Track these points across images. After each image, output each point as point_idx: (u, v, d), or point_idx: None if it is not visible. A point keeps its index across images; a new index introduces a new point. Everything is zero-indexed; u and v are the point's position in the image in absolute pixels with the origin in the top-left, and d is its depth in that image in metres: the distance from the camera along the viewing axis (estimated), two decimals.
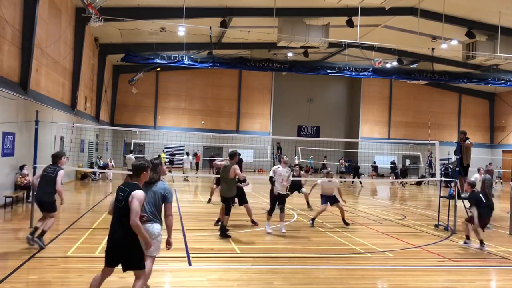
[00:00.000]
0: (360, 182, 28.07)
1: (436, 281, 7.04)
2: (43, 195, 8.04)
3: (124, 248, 4.74)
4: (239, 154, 10.71)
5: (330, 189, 11.66)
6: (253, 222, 10.99)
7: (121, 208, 4.75)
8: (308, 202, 14.51)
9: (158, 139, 34.59)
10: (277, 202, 10.31)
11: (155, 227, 5.25)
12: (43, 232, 7.87)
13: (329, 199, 11.63)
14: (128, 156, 20.94)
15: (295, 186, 14.11)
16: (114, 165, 26.03)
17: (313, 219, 11.54)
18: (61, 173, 8.09)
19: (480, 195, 9.50)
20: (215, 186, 14.91)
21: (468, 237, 9.71)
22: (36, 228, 7.92)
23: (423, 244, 9.61)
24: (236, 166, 9.65)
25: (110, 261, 4.85)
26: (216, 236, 9.65)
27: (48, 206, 8.09)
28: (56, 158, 8.25)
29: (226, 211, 9.57)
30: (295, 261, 7.78)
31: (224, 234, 9.43)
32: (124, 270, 4.92)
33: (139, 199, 4.71)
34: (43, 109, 15.52)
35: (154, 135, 34.97)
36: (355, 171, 27.50)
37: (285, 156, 10.97)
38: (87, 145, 24.58)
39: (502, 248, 9.59)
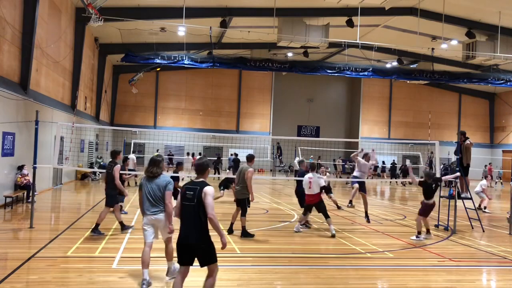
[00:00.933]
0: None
1: (436, 281, 7.04)
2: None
3: (202, 245, 4.98)
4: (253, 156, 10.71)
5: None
6: None
7: (194, 206, 4.94)
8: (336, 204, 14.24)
9: (158, 139, 34.58)
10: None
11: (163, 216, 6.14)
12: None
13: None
14: (130, 156, 20.97)
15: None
16: None
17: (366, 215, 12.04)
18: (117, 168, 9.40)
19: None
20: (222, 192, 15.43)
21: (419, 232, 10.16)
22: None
23: (423, 244, 9.61)
24: (252, 170, 9.72)
25: (188, 260, 5.05)
26: (216, 236, 9.64)
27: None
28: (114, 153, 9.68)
29: (243, 212, 9.60)
30: (295, 261, 7.77)
31: (246, 234, 9.49)
32: (202, 265, 5.09)
33: (211, 194, 4.98)
34: (43, 109, 15.51)
35: (154, 135, 34.95)
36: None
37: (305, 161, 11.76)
38: (87, 145, 24.58)
39: (502, 248, 9.59)
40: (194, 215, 4.92)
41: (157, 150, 29.24)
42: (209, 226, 5.02)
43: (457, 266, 7.98)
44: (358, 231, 11.06)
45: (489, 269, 8.01)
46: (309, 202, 10.41)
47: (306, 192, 10.37)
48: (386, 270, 7.56)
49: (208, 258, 5.07)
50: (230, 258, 7.95)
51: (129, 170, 17.42)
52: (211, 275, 5.15)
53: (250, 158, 10.14)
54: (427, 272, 7.48)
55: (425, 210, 10.27)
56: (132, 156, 20.60)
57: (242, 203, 9.63)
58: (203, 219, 4.91)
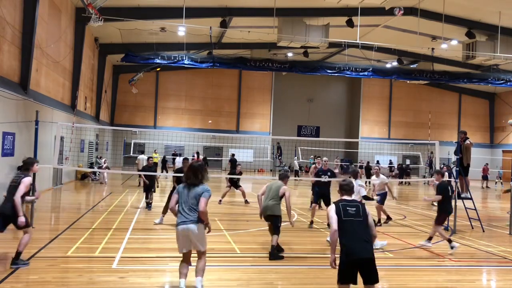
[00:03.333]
0: (370, 182, 27.83)
1: (436, 281, 7.04)
2: None
3: (374, 262, 4.78)
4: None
5: None
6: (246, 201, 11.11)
7: (362, 221, 4.90)
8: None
9: (158, 139, 34.58)
10: None
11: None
12: None
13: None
14: (140, 156, 20.99)
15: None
16: (109, 167, 25.23)
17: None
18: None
19: (448, 186, 9.56)
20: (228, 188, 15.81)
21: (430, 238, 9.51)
22: None
23: (423, 244, 9.60)
24: (289, 190, 8.50)
25: (355, 277, 4.76)
26: (216, 236, 9.66)
27: None
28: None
29: (276, 230, 8.27)
30: (295, 261, 7.77)
31: (274, 256, 7.91)
32: (371, 283, 4.79)
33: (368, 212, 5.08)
34: (43, 109, 15.51)
35: (154, 135, 34.95)
36: (367, 171, 27.28)
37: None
38: (87, 145, 24.57)
39: (502, 248, 9.59)
40: (363, 231, 4.90)
41: (155, 151, 29.26)
42: None
43: (457, 266, 7.98)
44: None
45: (489, 269, 8.01)
46: None
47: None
48: (386, 270, 7.56)
49: (376, 275, 4.81)
50: (230, 258, 7.95)
51: (140, 171, 17.40)
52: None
53: (283, 177, 8.75)
54: (427, 272, 7.48)
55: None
56: (143, 157, 20.60)
57: (276, 220, 8.34)
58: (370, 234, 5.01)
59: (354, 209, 4.95)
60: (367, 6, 19.48)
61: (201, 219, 5.64)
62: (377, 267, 4.79)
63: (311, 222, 11.47)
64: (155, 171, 15.78)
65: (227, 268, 7.25)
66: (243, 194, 15.69)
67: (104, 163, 23.57)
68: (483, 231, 11.55)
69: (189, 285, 6.42)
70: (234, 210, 14.52)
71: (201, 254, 5.82)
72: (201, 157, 29.24)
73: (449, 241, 8.88)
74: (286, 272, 7.03)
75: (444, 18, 21.40)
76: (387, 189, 11.92)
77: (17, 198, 6.60)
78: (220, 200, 15.55)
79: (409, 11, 22.26)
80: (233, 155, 25.51)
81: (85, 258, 7.48)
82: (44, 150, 15.96)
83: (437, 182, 9.81)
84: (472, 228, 11.87)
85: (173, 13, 20.64)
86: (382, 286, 6.82)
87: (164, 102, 37.22)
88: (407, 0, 21.03)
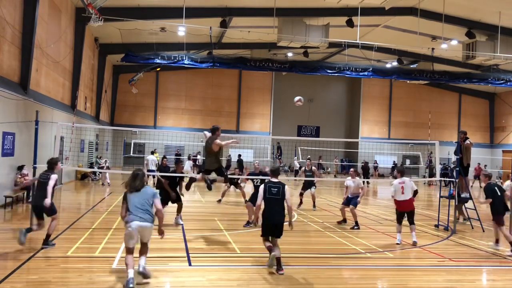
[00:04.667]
0: (368, 182, 27.87)
1: (436, 281, 7.04)
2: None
3: (281, 225, 7.09)
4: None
5: None
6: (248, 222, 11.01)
7: (279, 199, 7.07)
8: (314, 203, 14.70)
9: (158, 139, 34.56)
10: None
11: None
12: None
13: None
14: (149, 157, 20.80)
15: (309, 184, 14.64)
16: (109, 167, 25.14)
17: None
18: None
19: (495, 187, 9.35)
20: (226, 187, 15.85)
21: (497, 240, 9.51)
22: None
23: (423, 244, 9.60)
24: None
25: (271, 233, 7.12)
26: (216, 236, 9.65)
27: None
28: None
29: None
30: (295, 261, 7.77)
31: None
32: (277, 237, 7.11)
33: (288, 190, 7.18)
34: (43, 109, 15.52)
35: (154, 135, 34.94)
36: (364, 171, 27.25)
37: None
38: (87, 145, 24.57)
39: (502, 248, 9.59)
40: (279, 205, 7.19)
41: (154, 150, 29.23)
42: None
43: (457, 266, 7.98)
44: (358, 231, 11.05)
45: (489, 269, 8.01)
46: (404, 209, 9.60)
47: (398, 198, 9.54)
48: (386, 270, 7.56)
49: (281, 233, 7.25)
50: (230, 258, 7.95)
51: (149, 171, 17.24)
52: (275, 245, 7.13)
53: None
54: (427, 272, 7.48)
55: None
56: (152, 158, 20.35)
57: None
58: (283, 207, 7.26)
59: (276, 189, 7.10)
60: (367, 6, 19.48)
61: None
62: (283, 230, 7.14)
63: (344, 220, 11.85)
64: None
65: (227, 268, 7.25)
66: (243, 195, 15.69)
67: (105, 163, 23.45)
68: (483, 231, 11.54)
69: (191, 285, 6.42)
70: (234, 210, 14.51)
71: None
72: (199, 156, 29.25)
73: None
74: (286, 272, 7.03)
75: (444, 18, 21.39)
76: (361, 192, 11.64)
77: (50, 186, 7.90)
78: (220, 200, 15.54)
79: (409, 11, 22.28)
80: (239, 155, 25.64)
81: (85, 258, 7.48)
82: (44, 150, 15.95)
83: (483, 184, 9.72)
84: (472, 228, 11.87)
85: (173, 13, 20.63)
86: (382, 286, 6.83)
87: (164, 102, 37.20)
88: (407, 0, 21.05)
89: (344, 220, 11.87)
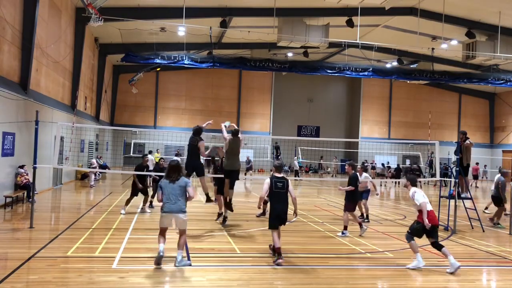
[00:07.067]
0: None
1: (436, 281, 7.04)
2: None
3: (286, 213, 7.79)
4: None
5: None
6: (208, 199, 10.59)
7: (284, 193, 7.74)
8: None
9: (158, 139, 34.57)
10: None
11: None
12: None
13: None
14: (149, 156, 20.80)
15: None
16: (109, 167, 25.07)
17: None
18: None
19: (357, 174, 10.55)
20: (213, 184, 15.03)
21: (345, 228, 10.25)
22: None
23: (423, 244, 9.59)
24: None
25: (280, 221, 7.74)
26: (216, 236, 9.64)
27: None
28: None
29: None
30: (295, 261, 7.77)
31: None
32: (284, 224, 7.83)
33: (291, 184, 7.97)
34: (43, 109, 15.52)
35: (154, 135, 34.94)
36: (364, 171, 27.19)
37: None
38: (87, 145, 24.57)
39: (502, 248, 9.59)
40: (284, 197, 7.85)
41: (155, 150, 29.22)
42: None
43: None
44: (358, 231, 11.04)
45: (489, 269, 8.01)
46: (435, 223, 7.75)
47: (430, 208, 7.67)
48: (386, 270, 7.56)
49: (285, 222, 7.89)
50: (230, 258, 7.95)
51: (148, 170, 17.13)
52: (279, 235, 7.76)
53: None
54: (427, 272, 7.48)
55: None
56: (150, 157, 20.34)
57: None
58: (287, 199, 7.90)
59: (281, 184, 7.72)
60: (367, 6, 19.49)
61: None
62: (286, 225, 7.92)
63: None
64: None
65: (227, 268, 7.25)
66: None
67: (102, 161, 23.14)
68: (483, 231, 11.54)
69: (191, 285, 6.42)
70: (234, 210, 14.48)
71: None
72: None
73: None
74: (286, 272, 7.03)
75: (444, 18, 21.40)
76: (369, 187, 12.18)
77: (202, 147, 9.91)
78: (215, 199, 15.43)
79: (409, 11, 22.28)
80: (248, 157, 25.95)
81: (85, 258, 7.48)
82: (44, 150, 15.96)
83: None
84: (472, 228, 11.87)
85: (173, 13, 20.65)
86: (382, 286, 6.82)
87: (164, 102, 37.21)
88: (407, 0, 21.05)
89: (362, 216, 12.28)
